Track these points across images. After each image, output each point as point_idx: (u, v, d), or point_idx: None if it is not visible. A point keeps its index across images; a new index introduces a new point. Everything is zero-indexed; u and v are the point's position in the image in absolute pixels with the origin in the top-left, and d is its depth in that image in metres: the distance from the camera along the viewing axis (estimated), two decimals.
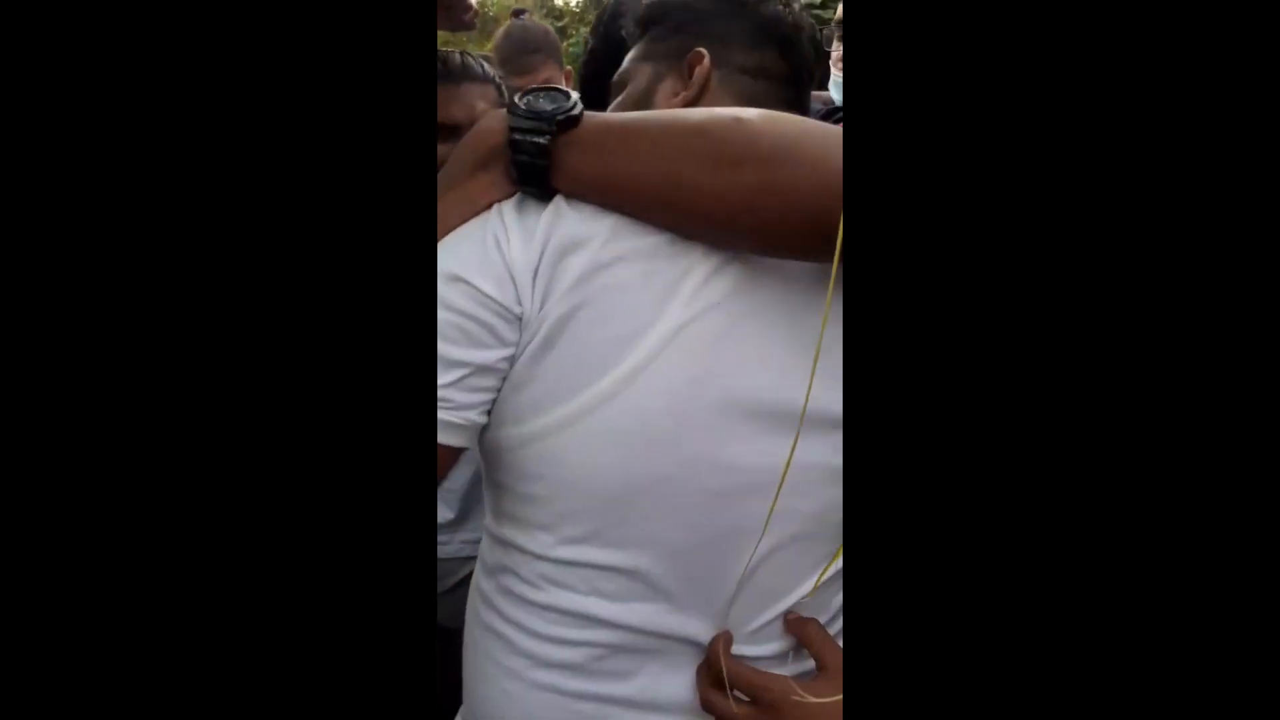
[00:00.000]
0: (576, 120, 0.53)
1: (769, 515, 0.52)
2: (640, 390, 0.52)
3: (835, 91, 1.31)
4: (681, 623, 0.56)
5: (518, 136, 0.53)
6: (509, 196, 0.55)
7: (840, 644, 0.58)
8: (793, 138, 0.50)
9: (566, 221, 0.53)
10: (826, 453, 0.53)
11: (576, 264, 0.52)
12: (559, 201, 0.54)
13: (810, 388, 0.50)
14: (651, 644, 0.56)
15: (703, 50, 0.63)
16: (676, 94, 0.63)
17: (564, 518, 0.55)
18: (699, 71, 0.62)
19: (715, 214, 0.51)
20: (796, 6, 0.68)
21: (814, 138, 0.50)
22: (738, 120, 0.51)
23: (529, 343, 0.52)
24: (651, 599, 0.55)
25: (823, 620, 0.58)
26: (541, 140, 0.52)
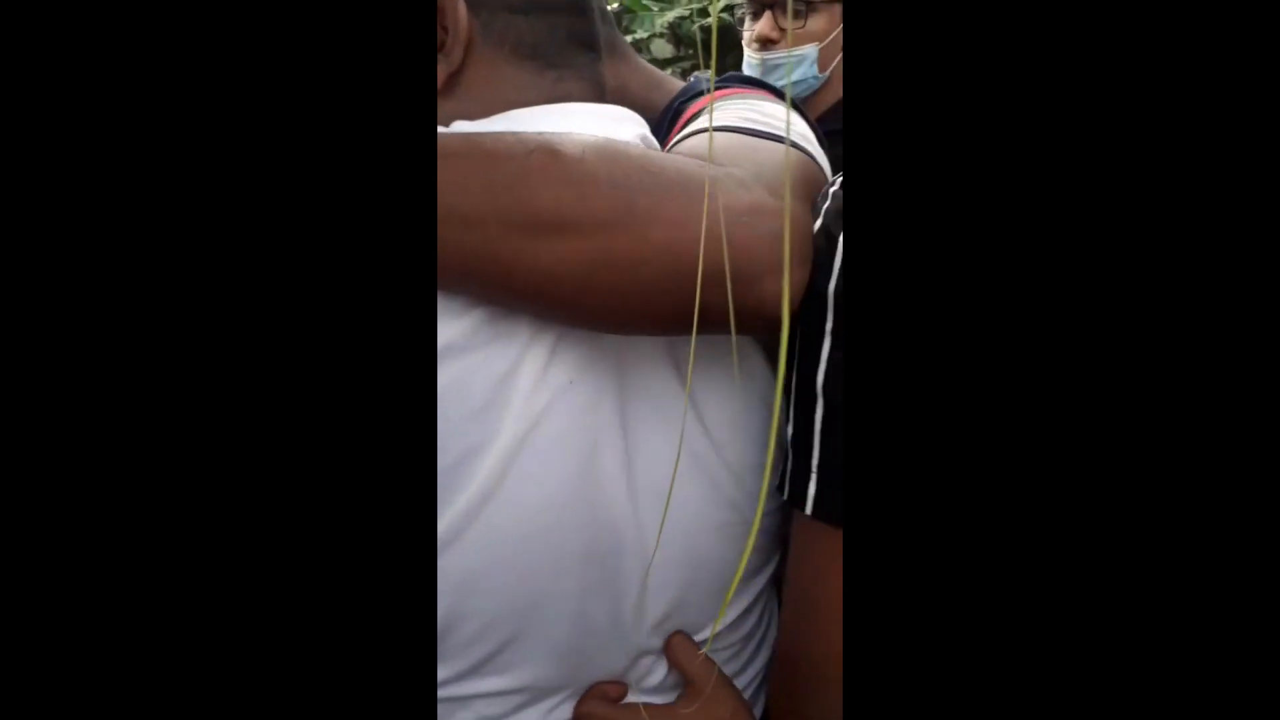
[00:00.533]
0: None
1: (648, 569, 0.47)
2: (495, 517, 0.43)
3: (751, 74, 1.30)
4: (576, 706, 0.50)
5: None
6: None
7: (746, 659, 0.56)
8: (635, 188, 0.38)
9: None
10: (707, 509, 0.49)
11: None
12: None
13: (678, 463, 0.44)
14: None
15: None
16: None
17: (437, 660, 0.47)
18: (457, 23, 0.45)
19: (540, 291, 0.39)
20: None
21: (662, 181, 0.39)
22: (554, 157, 0.39)
23: None
24: (543, 700, 0.49)
25: (725, 657, 0.54)
26: None
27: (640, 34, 2.84)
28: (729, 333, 0.42)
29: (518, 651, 0.47)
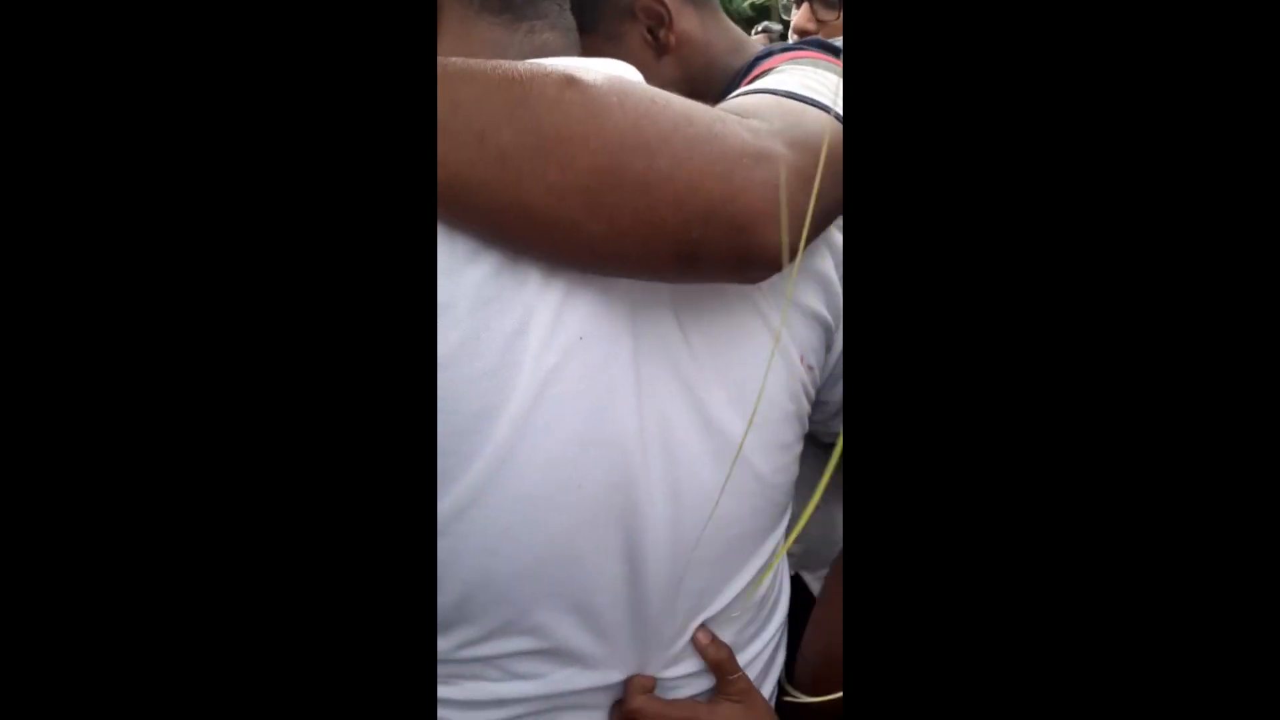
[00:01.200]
0: None
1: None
2: (512, 479, 0.43)
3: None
4: (604, 676, 0.51)
5: None
6: None
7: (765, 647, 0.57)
8: (644, 116, 0.39)
9: None
10: (718, 467, 0.49)
11: None
12: None
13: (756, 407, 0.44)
14: (570, 701, 0.52)
15: None
16: None
17: (463, 621, 0.47)
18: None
19: (546, 209, 0.39)
20: None
21: (671, 114, 0.40)
22: (571, 81, 0.39)
23: None
24: (571, 664, 0.50)
25: (742, 622, 0.56)
26: None
27: None
28: (724, 279, 0.44)
29: (543, 612, 0.48)
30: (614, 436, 0.45)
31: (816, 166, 0.43)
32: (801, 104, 0.48)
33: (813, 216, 0.43)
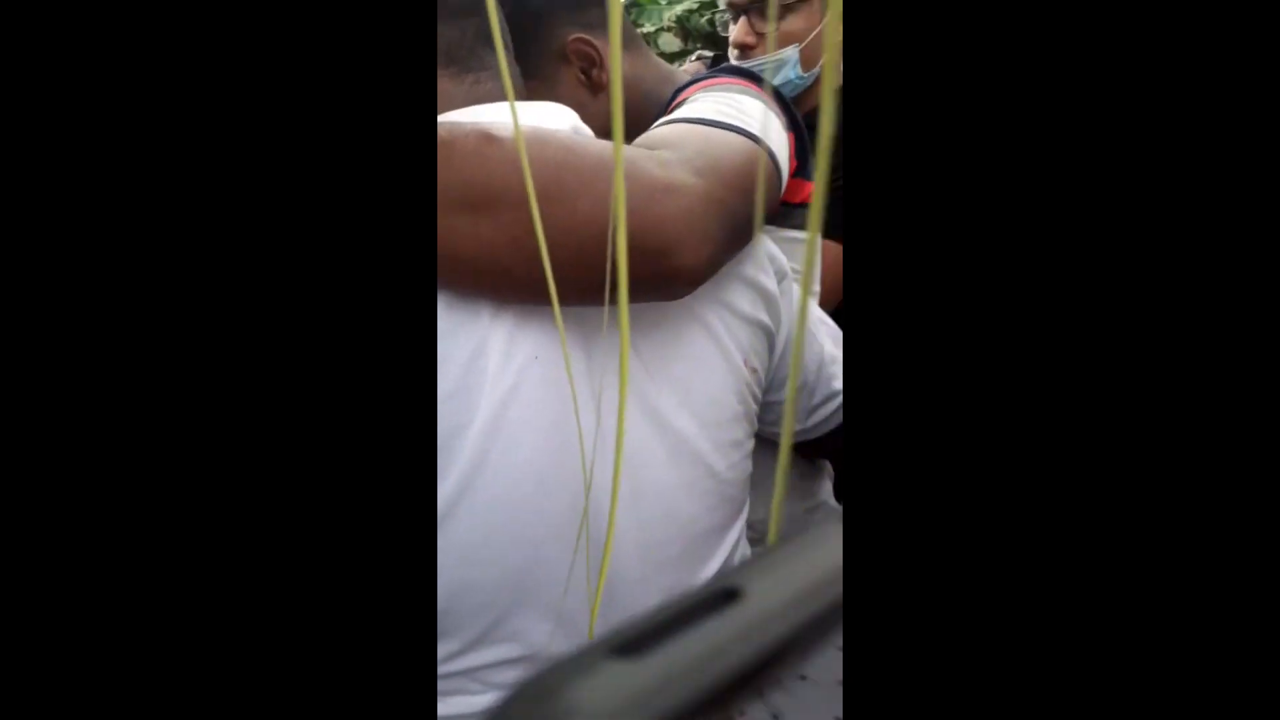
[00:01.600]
0: None
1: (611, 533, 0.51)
2: (484, 490, 0.46)
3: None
4: None
5: None
6: None
7: None
8: (562, 166, 0.43)
9: None
10: (674, 467, 0.52)
11: None
12: None
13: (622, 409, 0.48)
14: None
15: None
16: None
17: (443, 635, 0.49)
18: None
19: (481, 260, 0.43)
20: None
21: (588, 161, 0.43)
22: (488, 139, 0.43)
23: None
24: None
25: None
26: None
27: (648, 28, 2.86)
28: (652, 299, 0.49)
29: (519, 618, 0.49)
30: (574, 445, 0.48)
31: (723, 189, 0.47)
32: (711, 128, 0.52)
33: (727, 233, 0.47)
